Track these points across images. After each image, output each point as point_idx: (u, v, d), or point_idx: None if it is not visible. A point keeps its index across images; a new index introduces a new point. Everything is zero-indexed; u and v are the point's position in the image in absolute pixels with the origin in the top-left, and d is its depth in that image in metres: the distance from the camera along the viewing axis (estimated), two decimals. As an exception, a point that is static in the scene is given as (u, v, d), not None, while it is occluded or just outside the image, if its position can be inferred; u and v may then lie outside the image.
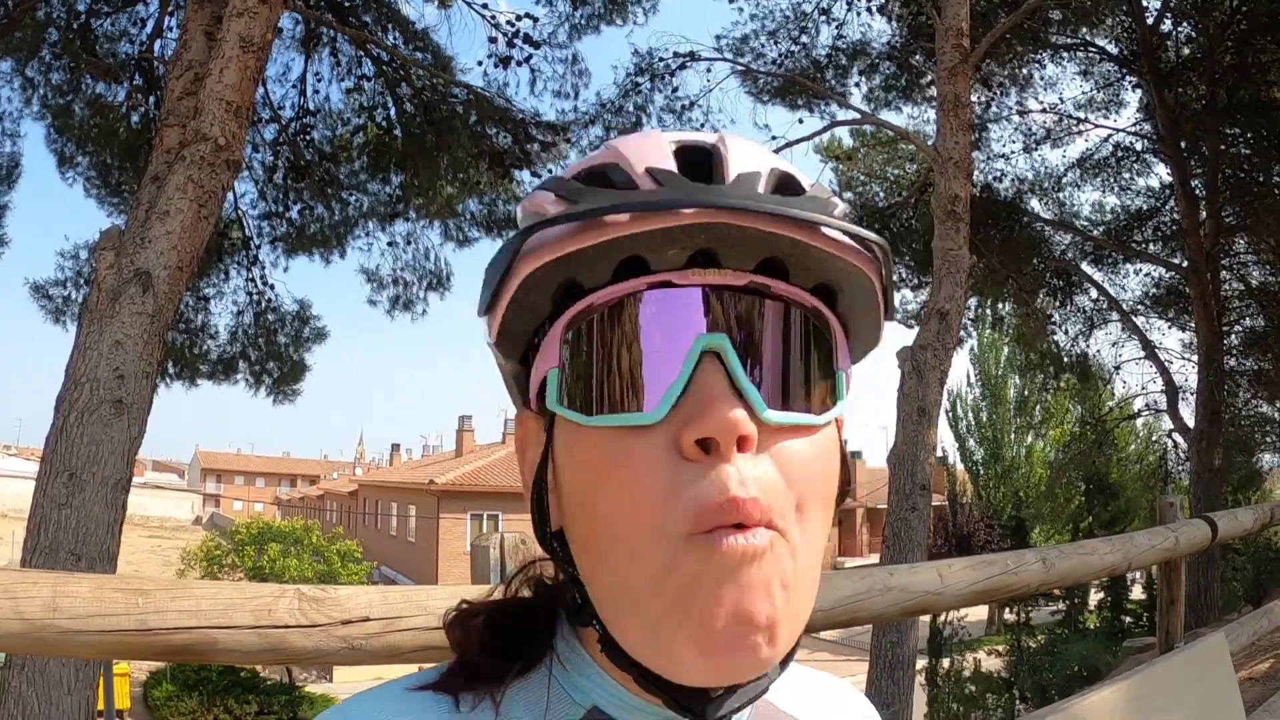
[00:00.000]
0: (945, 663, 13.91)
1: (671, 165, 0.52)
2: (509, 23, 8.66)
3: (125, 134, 8.28)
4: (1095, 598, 17.23)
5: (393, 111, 8.86)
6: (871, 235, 0.53)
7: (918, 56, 11.54)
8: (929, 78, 12.22)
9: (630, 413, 0.49)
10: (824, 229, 0.51)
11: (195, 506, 58.04)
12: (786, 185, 0.53)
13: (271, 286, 9.42)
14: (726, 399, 0.48)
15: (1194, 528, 3.51)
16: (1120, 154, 13.99)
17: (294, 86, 8.89)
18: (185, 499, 57.94)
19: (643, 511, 0.48)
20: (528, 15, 8.74)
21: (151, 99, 7.82)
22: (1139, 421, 21.67)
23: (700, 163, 0.52)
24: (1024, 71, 12.34)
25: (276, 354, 9.64)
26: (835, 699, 0.71)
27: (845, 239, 0.53)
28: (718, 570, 0.47)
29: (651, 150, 0.53)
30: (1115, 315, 15.85)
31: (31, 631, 1.09)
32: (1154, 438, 23.59)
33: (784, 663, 0.55)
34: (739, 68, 11.61)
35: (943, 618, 14.09)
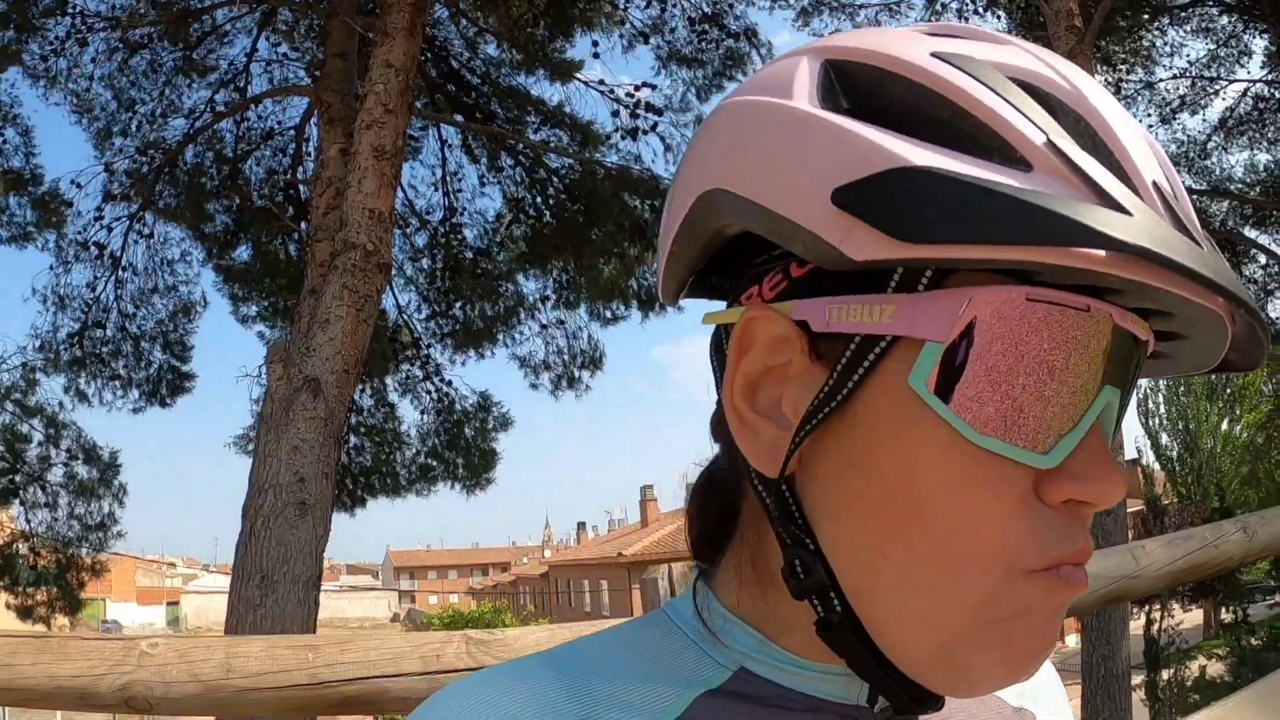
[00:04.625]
0: (1165, 675, 12.87)
1: (1157, 173, 0.42)
2: (628, 94, 8.54)
3: (286, 264, 8.81)
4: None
5: (537, 198, 8.97)
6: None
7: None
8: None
9: (1021, 447, 0.42)
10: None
11: (391, 604, 60.15)
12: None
13: (450, 383, 9.60)
14: (1110, 464, 0.43)
15: None
16: (1261, 105, 13.09)
17: (434, 188, 9.22)
18: (381, 598, 60.19)
19: (996, 544, 0.43)
20: (645, 84, 8.59)
21: (303, 224, 8.21)
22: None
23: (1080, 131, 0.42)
24: (1145, 41, 11.78)
25: (465, 448, 9.78)
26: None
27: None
28: (1054, 602, 0.44)
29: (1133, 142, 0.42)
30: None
31: (207, 693, 1.16)
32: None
33: None
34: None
35: (1156, 626, 13.09)
